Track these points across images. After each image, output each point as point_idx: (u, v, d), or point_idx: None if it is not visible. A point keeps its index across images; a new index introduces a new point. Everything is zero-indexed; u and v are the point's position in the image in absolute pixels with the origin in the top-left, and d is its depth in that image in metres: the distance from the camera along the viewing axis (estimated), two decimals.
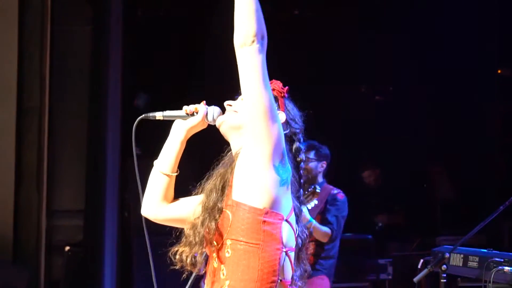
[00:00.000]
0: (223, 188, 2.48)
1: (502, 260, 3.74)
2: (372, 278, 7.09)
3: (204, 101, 2.68)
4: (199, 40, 8.08)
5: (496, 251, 4.04)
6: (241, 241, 2.36)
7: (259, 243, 2.35)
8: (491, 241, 5.75)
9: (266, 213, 2.36)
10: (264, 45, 2.41)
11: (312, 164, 5.33)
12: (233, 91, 2.54)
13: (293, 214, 2.45)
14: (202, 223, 2.46)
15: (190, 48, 8.14)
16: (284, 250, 2.39)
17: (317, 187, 5.09)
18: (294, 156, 2.55)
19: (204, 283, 5.43)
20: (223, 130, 2.60)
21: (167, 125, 8.58)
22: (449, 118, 7.99)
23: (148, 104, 7.89)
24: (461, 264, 4.11)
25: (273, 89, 2.57)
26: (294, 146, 2.56)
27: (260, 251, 2.36)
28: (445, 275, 3.88)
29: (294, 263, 2.44)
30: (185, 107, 2.64)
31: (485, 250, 4.08)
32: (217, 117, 2.62)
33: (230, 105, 2.61)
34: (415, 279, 3.80)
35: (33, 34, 6.77)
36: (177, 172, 2.67)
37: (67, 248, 6.86)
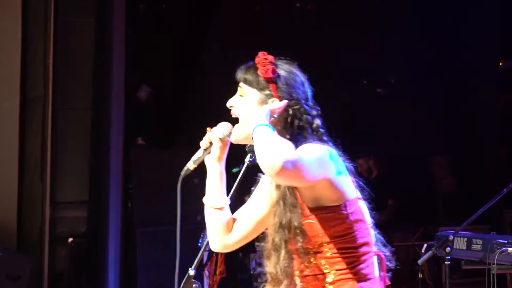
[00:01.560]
0: (293, 209, 2.51)
1: (506, 241, 3.76)
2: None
3: (208, 127, 2.70)
4: (201, 33, 8.10)
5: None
6: (336, 240, 2.47)
7: (354, 234, 2.49)
8: (492, 230, 5.76)
9: (345, 206, 2.49)
10: (293, 159, 2.33)
11: None
12: (233, 83, 2.54)
13: (357, 188, 2.57)
14: (281, 254, 2.53)
15: (192, 41, 8.16)
16: (370, 226, 2.57)
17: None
18: (315, 130, 2.57)
19: (208, 271, 5.44)
20: (244, 142, 2.66)
21: (166, 117, 8.49)
22: (451, 110, 8.01)
23: (150, 96, 7.92)
24: (464, 248, 4.14)
25: (261, 75, 2.55)
26: (314, 124, 2.57)
27: (355, 239, 2.50)
28: (449, 257, 3.90)
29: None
30: (201, 143, 2.69)
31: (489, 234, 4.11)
32: (229, 132, 2.65)
33: (233, 107, 2.65)
34: (420, 261, 3.83)
35: (37, 25, 6.78)
36: (228, 201, 2.72)
37: (70, 239, 6.87)
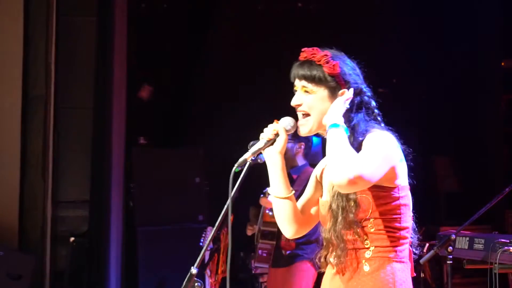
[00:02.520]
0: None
1: (508, 241, 3.76)
2: None
3: (275, 120, 2.77)
4: (202, 33, 8.10)
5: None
6: (383, 218, 2.60)
7: (400, 217, 2.62)
8: (494, 230, 5.76)
9: (398, 189, 2.62)
10: (359, 174, 2.46)
11: (288, 145, 5.37)
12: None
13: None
14: (338, 220, 2.63)
15: (193, 40, 8.16)
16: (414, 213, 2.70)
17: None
18: (374, 113, 2.72)
19: (209, 271, 5.43)
20: (311, 134, 2.75)
21: (167, 116, 8.45)
22: (453, 109, 8.00)
23: (152, 95, 7.92)
24: (466, 247, 4.13)
25: (327, 72, 2.66)
26: (373, 106, 2.72)
27: (400, 222, 2.62)
28: (451, 257, 3.90)
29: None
30: (263, 135, 2.74)
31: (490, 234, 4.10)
32: (294, 125, 2.74)
33: (300, 105, 2.72)
34: (422, 260, 3.83)
35: (39, 24, 6.78)
36: (292, 191, 2.77)
37: (72, 238, 6.87)
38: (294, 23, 8.06)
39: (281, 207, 2.78)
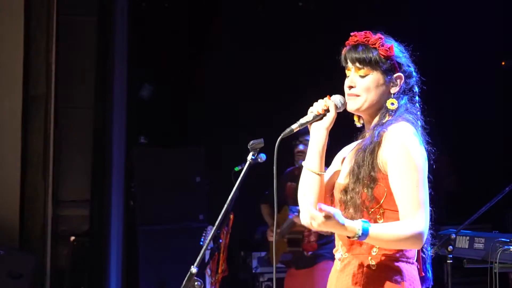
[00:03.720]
0: (373, 161, 2.59)
1: (508, 240, 3.76)
2: None
3: (328, 95, 2.74)
4: (203, 32, 8.10)
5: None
6: (394, 210, 2.55)
7: None
8: (494, 229, 5.76)
9: None
10: (418, 225, 2.50)
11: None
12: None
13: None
14: (356, 190, 2.61)
15: (194, 39, 8.16)
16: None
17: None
18: (417, 100, 2.77)
19: (210, 270, 5.44)
20: (356, 113, 2.74)
21: (168, 116, 8.43)
22: (454, 109, 8.00)
23: (152, 94, 7.93)
24: (467, 246, 4.13)
25: (382, 55, 2.68)
26: (414, 91, 2.75)
27: None
28: (451, 256, 3.90)
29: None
30: (312, 109, 2.72)
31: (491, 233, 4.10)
32: (344, 103, 2.71)
33: (353, 87, 2.70)
34: None
35: (39, 24, 6.78)
36: (324, 172, 2.75)
37: (73, 238, 6.88)
38: (295, 23, 8.06)
39: (313, 181, 2.73)
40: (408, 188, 2.51)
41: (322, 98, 2.75)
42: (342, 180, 2.70)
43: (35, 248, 6.67)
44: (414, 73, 2.75)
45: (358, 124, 2.80)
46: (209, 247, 4.96)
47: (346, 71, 2.74)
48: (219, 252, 5.13)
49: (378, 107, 2.69)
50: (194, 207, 7.02)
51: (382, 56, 2.67)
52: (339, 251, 2.68)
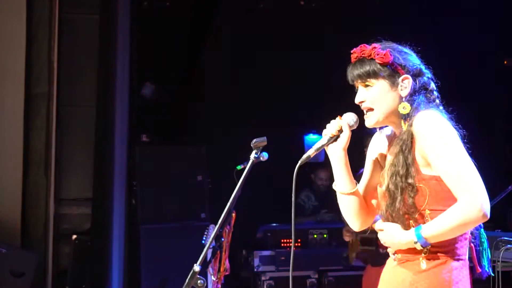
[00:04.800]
0: (408, 169, 2.60)
1: (511, 239, 3.75)
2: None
3: (339, 116, 2.77)
4: (204, 31, 8.10)
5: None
6: (440, 210, 2.56)
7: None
8: (497, 228, 5.76)
9: None
10: (477, 199, 2.50)
11: None
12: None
13: None
14: (397, 200, 2.61)
15: (195, 38, 8.16)
16: None
17: None
18: (432, 94, 2.74)
19: (212, 269, 5.45)
20: (378, 126, 2.77)
21: (170, 114, 8.43)
22: (455, 108, 7.99)
23: (154, 93, 7.92)
24: None
25: (380, 63, 2.69)
26: (431, 87, 2.74)
27: None
28: None
29: None
30: (326, 131, 2.75)
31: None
32: (356, 120, 2.75)
33: (363, 101, 2.73)
34: None
35: (41, 22, 6.78)
36: (356, 185, 2.79)
37: (74, 236, 6.88)
38: (296, 21, 8.05)
39: (347, 202, 2.79)
40: (451, 171, 2.52)
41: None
42: (384, 187, 2.71)
43: (37, 246, 6.67)
44: (424, 70, 2.74)
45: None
46: (211, 246, 4.96)
47: (356, 89, 2.78)
48: (221, 250, 5.12)
49: (396, 116, 2.69)
50: (196, 205, 7.01)
51: (380, 64, 2.68)
52: (392, 250, 2.71)
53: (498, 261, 3.68)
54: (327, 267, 7.27)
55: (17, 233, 6.59)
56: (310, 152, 2.71)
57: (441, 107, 2.72)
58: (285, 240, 7.31)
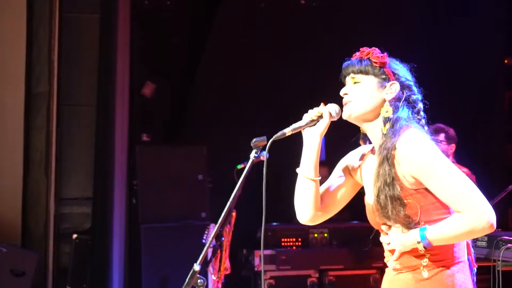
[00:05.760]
0: (394, 186, 2.60)
1: (511, 238, 3.75)
2: (379, 265, 7.11)
3: (323, 103, 2.79)
4: (205, 30, 8.09)
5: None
6: (434, 220, 2.58)
7: (449, 215, 2.59)
8: (497, 226, 5.75)
9: None
10: (481, 208, 2.52)
11: (442, 147, 5.42)
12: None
13: None
14: (389, 209, 2.61)
15: (196, 37, 8.15)
16: None
17: None
18: (418, 112, 2.75)
19: (212, 268, 5.44)
20: (353, 121, 2.75)
21: (170, 113, 8.41)
22: (456, 107, 7.99)
23: (155, 92, 7.91)
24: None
25: (375, 63, 2.71)
26: (418, 106, 2.76)
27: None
28: None
29: None
30: (307, 115, 2.77)
31: None
32: (338, 112, 2.76)
33: (347, 94, 2.75)
34: None
35: (42, 21, 6.78)
36: (319, 176, 2.78)
37: (75, 235, 6.88)
38: (297, 20, 8.04)
39: (307, 188, 2.77)
40: (446, 189, 2.52)
41: (321, 100, 2.78)
42: (370, 198, 2.73)
43: (38, 245, 6.68)
44: (414, 88, 2.76)
45: (363, 132, 2.82)
46: (211, 245, 4.95)
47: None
48: (222, 250, 5.12)
49: (374, 115, 2.70)
50: (197, 205, 7.01)
51: (374, 63, 2.71)
52: (390, 261, 2.70)
53: (499, 261, 3.68)
54: (327, 266, 7.26)
55: (17, 232, 6.59)
56: (286, 130, 2.72)
57: (426, 128, 2.73)
58: (285, 240, 7.31)
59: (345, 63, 2.78)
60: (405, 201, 2.57)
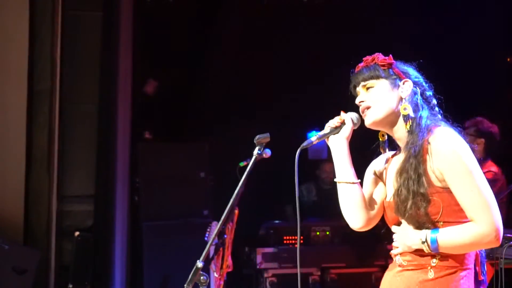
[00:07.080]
0: (420, 180, 2.60)
1: None
2: (380, 263, 7.11)
3: (342, 111, 2.82)
4: (208, 28, 8.09)
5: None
6: (453, 222, 2.57)
7: (468, 219, 2.57)
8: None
9: None
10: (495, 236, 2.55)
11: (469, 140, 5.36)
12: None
13: None
14: (408, 204, 2.61)
15: (199, 35, 8.15)
16: None
17: None
18: (433, 108, 2.76)
19: (214, 265, 5.44)
20: (377, 126, 2.77)
21: (173, 111, 8.41)
22: (457, 106, 7.98)
23: (157, 90, 7.92)
24: None
25: (382, 65, 2.74)
26: (433, 101, 2.77)
27: None
28: None
29: None
30: (329, 124, 2.79)
31: None
32: (358, 119, 2.79)
33: (363, 101, 2.76)
34: None
35: (44, 19, 6.78)
36: (359, 179, 2.80)
37: (77, 233, 6.88)
38: (299, 19, 8.04)
39: (350, 193, 2.76)
40: (468, 193, 2.52)
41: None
42: (390, 197, 2.73)
43: (40, 243, 6.68)
44: (425, 84, 2.77)
45: (382, 140, 2.84)
46: (214, 243, 4.96)
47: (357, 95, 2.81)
48: (224, 247, 5.13)
49: (395, 116, 2.71)
50: (199, 202, 7.02)
51: (382, 66, 2.73)
52: (398, 257, 2.69)
53: (501, 258, 3.68)
54: (329, 264, 7.26)
55: (19, 229, 6.59)
56: (313, 139, 2.74)
57: (439, 116, 2.74)
58: (287, 237, 7.31)
59: (353, 75, 2.79)
60: (430, 198, 2.56)
